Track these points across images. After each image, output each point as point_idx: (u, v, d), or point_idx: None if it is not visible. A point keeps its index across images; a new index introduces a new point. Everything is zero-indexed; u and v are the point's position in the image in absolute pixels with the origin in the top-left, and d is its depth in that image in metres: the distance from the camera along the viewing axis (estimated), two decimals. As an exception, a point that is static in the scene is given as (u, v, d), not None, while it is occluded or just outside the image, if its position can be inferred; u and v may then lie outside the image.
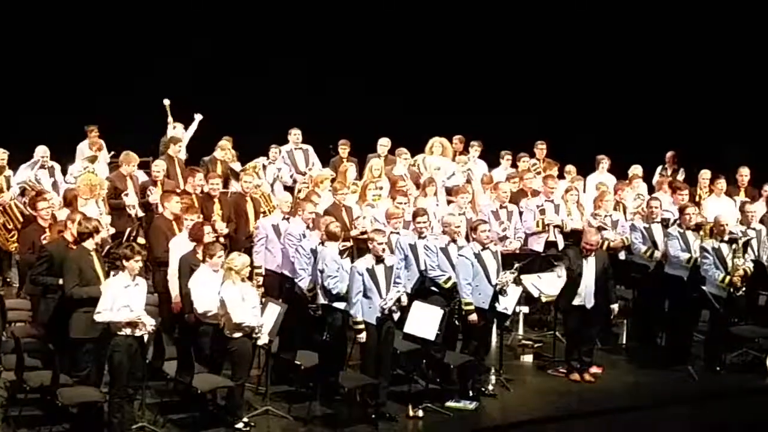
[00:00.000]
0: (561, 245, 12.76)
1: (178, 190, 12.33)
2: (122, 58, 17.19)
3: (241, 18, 18.03)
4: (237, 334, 9.69)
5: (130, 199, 12.38)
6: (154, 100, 15.44)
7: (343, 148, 14.71)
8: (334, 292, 10.40)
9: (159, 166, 12.83)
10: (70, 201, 11.55)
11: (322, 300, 10.57)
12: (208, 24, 17.80)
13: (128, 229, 11.76)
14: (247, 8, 18.02)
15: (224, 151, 13.94)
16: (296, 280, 10.88)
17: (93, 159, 13.33)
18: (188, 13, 17.67)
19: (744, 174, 14.21)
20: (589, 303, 11.19)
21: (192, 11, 17.70)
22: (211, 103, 15.79)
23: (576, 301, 11.18)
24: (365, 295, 10.05)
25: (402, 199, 12.17)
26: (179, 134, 14.57)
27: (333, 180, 13.42)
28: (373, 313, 10.05)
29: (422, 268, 11.10)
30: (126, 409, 9.34)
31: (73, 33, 17.14)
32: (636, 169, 14.44)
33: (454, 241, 11.15)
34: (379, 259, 10.13)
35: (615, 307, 11.44)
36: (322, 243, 10.65)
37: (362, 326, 10.03)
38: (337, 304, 10.39)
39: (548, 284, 11.59)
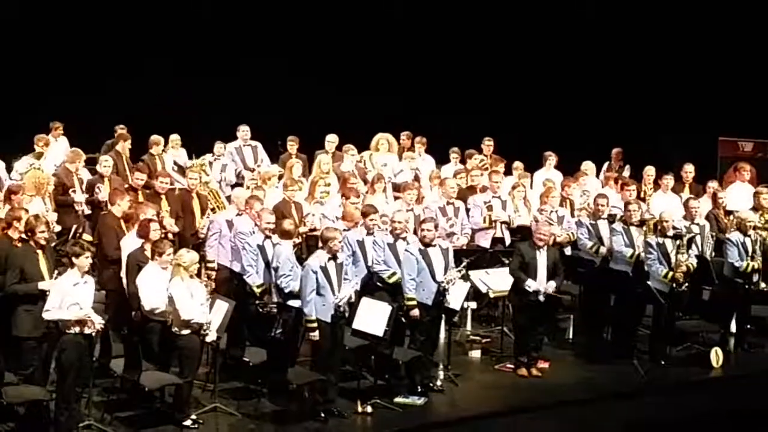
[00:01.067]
0: (508, 241, 12.88)
1: (125, 186, 12.27)
2: (75, 59, 17.04)
3: (195, 16, 17.93)
4: (185, 331, 9.65)
5: (78, 196, 12.28)
6: (102, 98, 15.39)
7: (292, 145, 14.72)
8: (287, 290, 10.39)
9: (107, 163, 12.73)
10: (9, 197, 11.41)
11: (275, 297, 10.56)
12: (163, 26, 17.67)
13: (74, 227, 11.67)
14: (200, 8, 17.94)
15: (159, 146, 13.88)
16: (244, 277, 10.87)
17: (39, 155, 13.21)
18: (142, 16, 17.54)
19: (689, 171, 14.39)
20: (543, 296, 11.27)
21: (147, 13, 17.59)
22: (163, 100, 15.74)
23: (528, 286, 11.21)
24: (318, 293, 10.06)
25: (355, 199, 12.20)
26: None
27: (281, 176, 13.43)
28: (326, 310, 10.05)
29: (370, 264, 11.14)
30: (73, 408, 9.27)
31: (19, 32, 16.96)
32: (585, 166, 14.57)
33: (402, 238, 11.18)
34: (334, 257, 10.15)
35: (562, 299, 11.46)
36: (269, 238, 10.66)
37: (315, 324, 10.04)
38: (291, 302, 10.37)
39: (496, 280, 11.68)
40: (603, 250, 12.36)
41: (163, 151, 14.16)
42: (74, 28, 17.12)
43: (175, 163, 14.28)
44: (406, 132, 15.40)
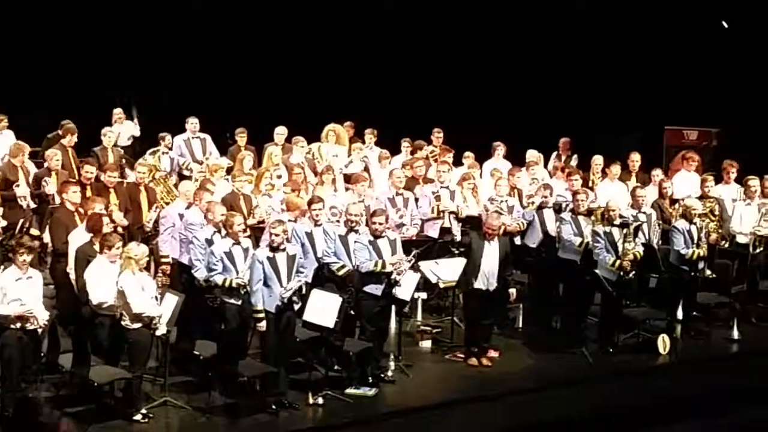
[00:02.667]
0: (456, 231, 12.93)
1: (74, 180, 12.17)
2: (22, 52, 16.85)
3: (143, 12, 17.80)
4: (135, 325, 9.60)
5: (22, 190, 12.14)
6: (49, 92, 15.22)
7: (241, 137, 14.67)
8: (211, 284, 10.38)
9: (54, 156, 12.61)
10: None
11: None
12: (102, 21, 17.50)
13: (21, 221, 11.55)
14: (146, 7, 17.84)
15: (108, 137, 13.78)
16: (192, 271, 10.82)
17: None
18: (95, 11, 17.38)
19: (635, 159, 14.51)
20: (492, 286, 11.33)
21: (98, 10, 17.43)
22: (108, 94, 15.62)
23: (478, 285, 11.29)
24: (265, 284, 10.05)
25: (303, 193, 12.19)
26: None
27: (231, 169, 13.38)
28: (273, 301, 10.05)
29: (319, 255, 11.15)
30: (20, 404, 9.18)
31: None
32: (530, 155, 14.66)
33: (354, 230, 11.19)
34: (277, 249, 10.13)
35: (513, 291, 11.61)
36: (219, 231, 10.63)
37: (262, 315, 10.03)
38: (230, 299, 10.34)
39: (446, 270, 11.73)
40: (550, 228, 12.47)
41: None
42: (11, 24, 16.89)
43: (123, 156, 14.17)
44: (348, 122, 15.40)
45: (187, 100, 16.40)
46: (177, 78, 17.35)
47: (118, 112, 15.23)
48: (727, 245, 13.19)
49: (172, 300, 9.98)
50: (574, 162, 15.16)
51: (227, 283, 10.21)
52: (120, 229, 11.40)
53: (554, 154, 15.56)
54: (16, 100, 15.62)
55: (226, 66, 17.83)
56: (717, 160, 14.87)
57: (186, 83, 17.39)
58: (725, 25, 17.74)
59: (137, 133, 15.33)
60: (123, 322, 9.63)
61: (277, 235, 10.15)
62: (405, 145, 15.11)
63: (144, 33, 17.42)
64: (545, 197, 12.70)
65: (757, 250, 12.94)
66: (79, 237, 10.58)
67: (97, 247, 10.16)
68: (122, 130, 14.85)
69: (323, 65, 18.25)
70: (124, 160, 13.87)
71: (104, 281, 9.76)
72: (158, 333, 9.76)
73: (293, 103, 16.79)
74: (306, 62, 18.20)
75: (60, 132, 13.77)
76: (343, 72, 18.22)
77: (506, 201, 12.98)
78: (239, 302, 10.25)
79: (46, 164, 12.66)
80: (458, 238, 12.67)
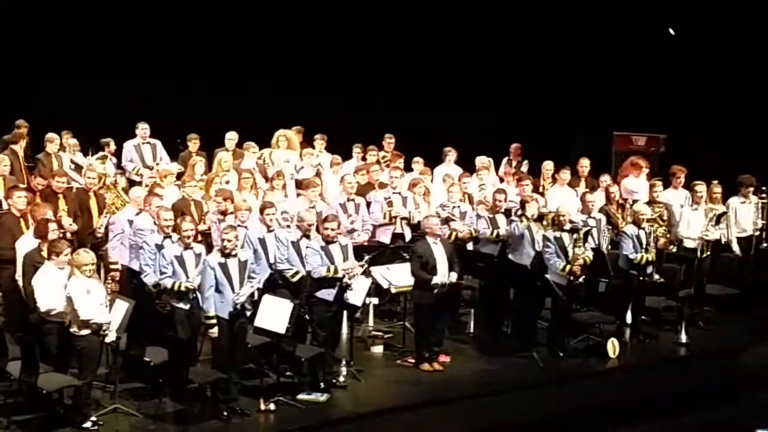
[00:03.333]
0: (408, 237, 12.97)
1: (23, 186, 12.06)
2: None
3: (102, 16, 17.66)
4: (84, 332, 9.53)
5: (-30, 197, 12.02)
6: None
7: (193, 143, 14.60)
8: (161, 288, 10.33)
9: (2, 162, 12.48)
10: None
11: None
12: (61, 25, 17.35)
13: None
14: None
15: (53, 143, 13.66)
16: (141, 276, 10.76)
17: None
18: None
19: (584, 165, 14.63)
20: (453, 278, 11.37)
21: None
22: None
23: (438, 279, 11.25)
24: (217, 290, 10.01)
25: (246, 194, 12.15)
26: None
27: (181, 174, 13.31)
28: (225, 307, 10.02)
29: (272, 261, 11.13)
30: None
31: None
32: (480, 161, 14.72)
33: (306, 236, 11.19)
34: (229, 254, 10.10)
35: (454, 274, 11.54)
36: (169, 237, 10.58)
37: (214, 321, 10.00)
38: (179, 304, 10.30)
39: (398, 275, 11.76)
40: (503, 231, 12.50)
41: (60, 149, 13.92)
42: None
43: (72, 161, 14.05)
44: (297, 126, 15.37)
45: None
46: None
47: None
48: (675, 250, 13.35)
49: (122, 306, 9.92)
50: (524, 167, 15.24)
51: (176, 287, 10.17)
52: (69, 235, 11.32)
53: (505, 159, 15.64)
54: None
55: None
56: (665, 165, 15.02)
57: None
58: (672, 32, 17.94)
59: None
60: (72, 329, 9.55)
61: (229, 240, 10.12)
62: (356, 150, 15.11)
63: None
64: (498, 201, 12.76)
65: (704, 255, 13.11)
66: (26, 243, 10.48)
67: (45, 253, 10.07)
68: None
69: (274, 68, 18.19)
70: (74, 165, 13.75)
71: (52, 288, 9.69)
72: (108, 340, 9.70)
73: (244, 108, 16.76)
74: (258, 67, 18.13)
75: (11, 137, 13.63)
76: (292, 77, 18.17)
77: (458, 207, 13.03)
78: (188, 307, 10.21)
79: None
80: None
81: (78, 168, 13.65)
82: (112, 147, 14.10)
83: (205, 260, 10.16)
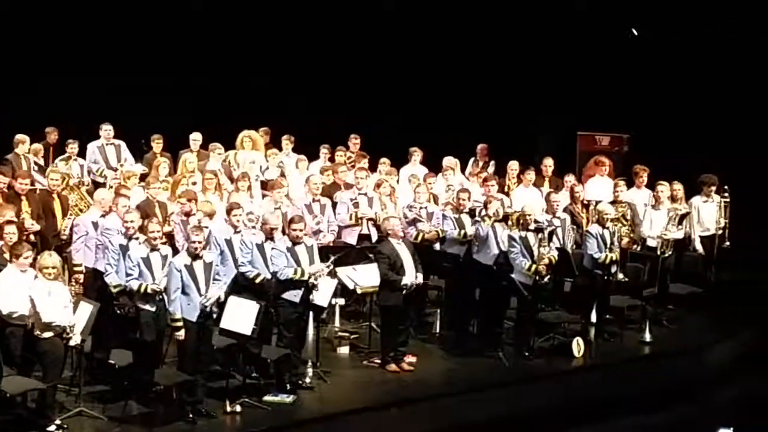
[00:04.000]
0: (374, 238, 12.97)
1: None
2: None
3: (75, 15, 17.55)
4: (47, 334, 9.46)
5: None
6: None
7: (157, 143, 14.53)
8: (126, 290, 10.29)
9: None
10: None
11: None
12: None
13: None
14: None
15: (24, 144, 13.57)
16: (104, 276, 10.70)
17: None
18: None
19: (548, 165, 14.68)
20: (419, 279, 11.40)
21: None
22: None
23: (407, 280, 11.27)
24: (184, 292, 9.97)
25: (210, 196, 12.11)
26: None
27: (145, 176, 13.25)
28: (192, 310, 9.97)
29: (239, 262, 11.10)
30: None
31: None
32: (447, 161, 14.75)
33: (270, 238, 11.16)
34: (196, 257, 10.07)
35: (420, 275, 11.52)
36: (136, 239, 10.52)
37: (181, 323, 9.95)
38: (145, 306, 10.25)
39: (364, 276, 11.75)
40: (470, 230, 12.52)
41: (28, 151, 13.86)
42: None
43: (36, 163, 13.96)
44: (263, 128, 15.35)
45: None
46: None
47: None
48: (638, 249, 13.43)
49: (86, 309, 9.86)
50: (491, 168, 15.29)
51: (143, 289, 10.12)
52: (32, 237, 11.24)
53: (472, 159, 15.67)
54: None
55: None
56: (628, 165, 15.11)
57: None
58: (635, 32, 18.05)
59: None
60: (35, 332, 9.48)
61: (198, 242, 10.08)
62: (323, 151, 15.09)
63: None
64: (462, 200, 12.78)
65: (666, 254, 13.18)
66: (-12, 246, 10.41)
67: (7, 255, 9.99)
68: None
69: (240, 68, 18.15)
70: (37, 167, 13.66)
71: (14, 291, 9.61)
72: (72, 343, 9.64)
73: (210, 109, 16.72)
74: (222, 65, 18.07)
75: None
76: (259, 77, 18.14)
77: (425, 207, 13.04)
78: (154, 308, 10.17)
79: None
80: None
81: (41, 170, 13.56)
82: (74, 148, 14.02)
83: (171, 262, 10.11)
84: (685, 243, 13.67)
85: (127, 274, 10.23)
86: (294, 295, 10.79)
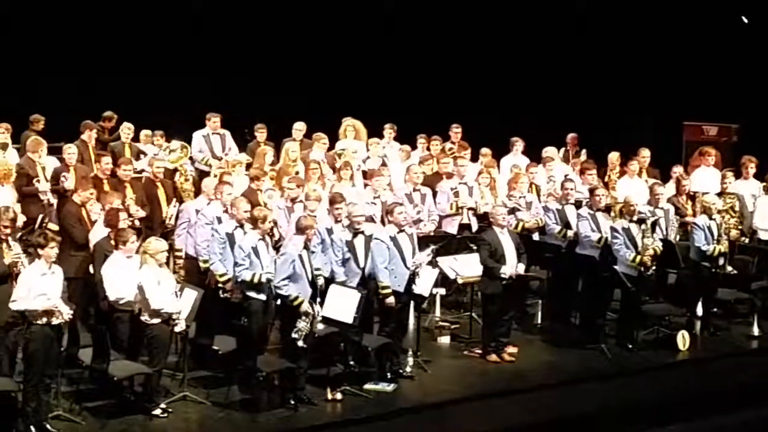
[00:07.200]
0: (475, 227, 12.90)
1: (91, 175, 12.21)
2: (22, 52, 16.80)
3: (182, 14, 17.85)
4: (154, 321, 9.61)
5: (42, 185, 12.16)
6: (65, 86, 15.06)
7: (261, 133, 14.65)
8: (238, 279, 10.35)
9: (71, 151, 12.63)
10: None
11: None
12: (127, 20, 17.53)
13: (40, 216, 11.58)
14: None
15: (92, 131, 13.79)
16: (209, 265, 10.82)
17: (4, 146, 13.06)
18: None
19: (645, 156, 14.43)
20: (521, 269, 11.32)
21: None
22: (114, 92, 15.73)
23: (506, 270, 11.18)
24: (294, 281, 10.05)
25: (313, 185, 12.17)
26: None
27: (249, 165, 13.37)
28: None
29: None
30: (41, 399, 9.19)
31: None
32: (550, 151, 14.60)
33: (360, 232, 11.06)
34: (306, 246, 10.16)
35: (522, 265, 11.44)
36: (241, 227, 10.63)
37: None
38: (255, 294, 10.34)
39: (464, 266, 11.71)
40: (570, 233, 12.41)
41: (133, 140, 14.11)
42: (11, 25, 16.88)
43: (141, 151, 14.21)
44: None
45: (186, 100, 16.41)
46: (177, 78, 17.31)
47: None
48: (747, 241, 13.14)
49: (191, 295, 10.00)
50: (583, 157, 15.11)
51: (256, 279, 10.21)
52: (137, 223, 11.43)
53: (562, 150, 15.48)
54: (16, 100, 15.61)
55: (224, 66, 17.81)
56: (736, 155, 14.80)
57: (186, 83, 17.35)
58: (745, 20, 17.64)
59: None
60: (142, 318, 9.64)
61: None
62: (421, 141, 15.05)
63: (144, 33, 17.39)
64: (569, 190, 12.63)
65: (778, 246, 12.87)
66: (98, 232, 10.60)
67: (113, 242, 10.17)
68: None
69: (334, 62, 18.22)
70: (142, 156, 13.91)
71: (121, 277, 9.78)
72: (177, 329, 9.78)
73: (306, 101, 16.81)
74: (315, 59, 18.16)
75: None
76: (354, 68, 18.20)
77: (524, 197, 12.94)
78: (264, 297, 10.25)
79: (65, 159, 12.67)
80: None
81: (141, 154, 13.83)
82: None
83: (285, 252, 10.21)
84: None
85: (237, 264, 10.33)
86: (398, 285, 10.76)
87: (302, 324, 9.92)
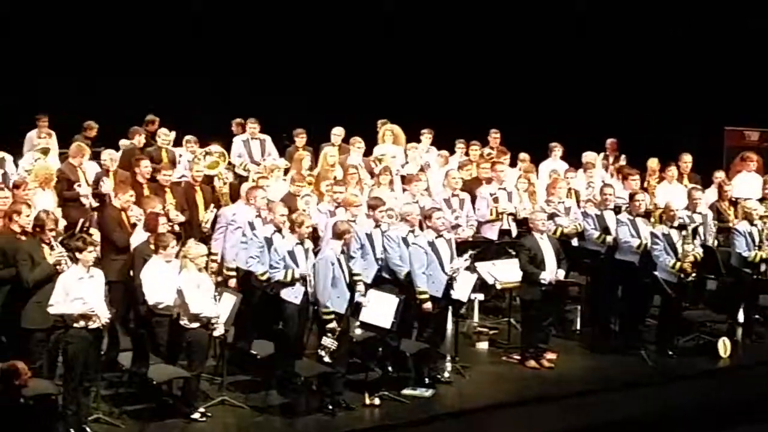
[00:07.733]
0: (514, 233, 12.85)
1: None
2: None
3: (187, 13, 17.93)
4: (193, 325, 9.65)
5: (83, 190, 12.26)
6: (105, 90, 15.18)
7: (300, 138, 14.68)
8: (272, 280, 10.40)
9: (110, 156, 12.72)
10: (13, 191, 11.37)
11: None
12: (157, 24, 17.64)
13: (81, 220, 11.66)
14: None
15: (166, 136, 13.88)
16: (246, 267, 10.85)
17: (45, 151, 13.16)
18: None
19: (687, 161, 14.31)
20: (561, 275, 11.28)
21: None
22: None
23: (545, 276, 11.15)
24: (333, 285, 10.05)
25: (351, 190, 12.19)
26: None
27: (287, 170, 13.41)
28: (341, 303, 10.05)
29: (378, 256, 11.11)
30: (81, 401, 9.25)
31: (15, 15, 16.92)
32: (589, 157, 14.52)
33: (413, 231, 11.15)
34: (343, 251, 10.19)
35: (561, 271, 11.39)
36: (280, 232, 10.66)
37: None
38: (284, 294, 10.35)
39: (503, 271, 11.66)
40: (609, 239, 12.33)
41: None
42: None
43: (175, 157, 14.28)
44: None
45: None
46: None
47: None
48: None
49: (229, 300, 10.02)
50: (622, 162, 15.02)
51: (289, 276, 10.24)
52: (177, 228, 11.48)
53: (602, 155, 15.39)
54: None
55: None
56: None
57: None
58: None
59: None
60: (181, 322, 9.68)
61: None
62: (459, 146, 15.02)
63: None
64: (608, 196, 12.56)
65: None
66: (138, 237, 10.67)
67: (153, 247, 10.22)
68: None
69: (369, 67, 18.24)
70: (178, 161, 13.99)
71: (160, 281, 9.82)
72: (216, 333, 9.81)
73: (351, 103, 16.84)
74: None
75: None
76: (401, 72, 18.20)
77: (563, 203, 12.88)
78: (299, 302, 10.27)
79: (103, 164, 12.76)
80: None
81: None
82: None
83: (323, 257, 10.21)
84: None
85: (272, 267, 10.35)
86: (436, 290, 10.75)
87: (328, 341, 9.90)
